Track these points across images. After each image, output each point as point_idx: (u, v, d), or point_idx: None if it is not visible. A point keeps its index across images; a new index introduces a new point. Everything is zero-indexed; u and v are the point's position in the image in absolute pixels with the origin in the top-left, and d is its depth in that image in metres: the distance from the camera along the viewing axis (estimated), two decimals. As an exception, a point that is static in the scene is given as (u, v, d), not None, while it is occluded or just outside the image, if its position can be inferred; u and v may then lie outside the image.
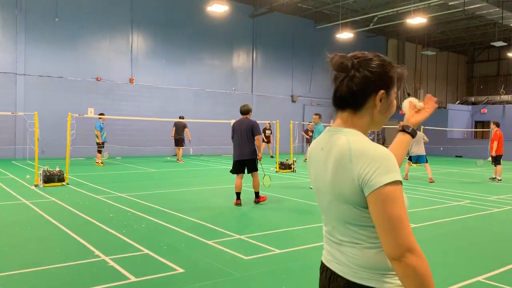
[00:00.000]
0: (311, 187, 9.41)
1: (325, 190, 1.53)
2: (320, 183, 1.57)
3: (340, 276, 1.53)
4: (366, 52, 1.56)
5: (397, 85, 1.56)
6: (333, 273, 1.57)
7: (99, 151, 15.65)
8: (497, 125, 13.41)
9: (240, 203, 8.23)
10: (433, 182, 12.37)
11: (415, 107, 1.87)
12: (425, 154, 12.64)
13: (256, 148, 8.28)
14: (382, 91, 1.51)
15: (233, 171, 8.37)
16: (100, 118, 15.46)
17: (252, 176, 8.38)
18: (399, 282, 1.44)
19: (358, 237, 1.47)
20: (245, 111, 8.41)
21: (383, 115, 1.56)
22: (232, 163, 8.46)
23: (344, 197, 1.45)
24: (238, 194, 8.27)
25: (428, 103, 1.85)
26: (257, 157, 8.32)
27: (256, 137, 8.21)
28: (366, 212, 1.43)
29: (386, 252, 1.37)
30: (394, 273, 1.43)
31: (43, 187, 9.88)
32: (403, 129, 1.87)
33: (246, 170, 8.35)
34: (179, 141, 18.04)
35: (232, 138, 8.41)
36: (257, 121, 10.69)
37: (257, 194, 8.47)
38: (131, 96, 19.87)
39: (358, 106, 1.53)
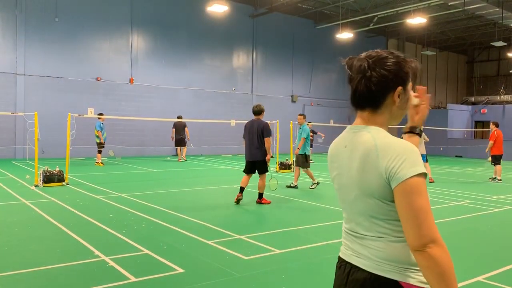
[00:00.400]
0: (311, 186, 9.35)
1: (351, 186, 1.57)
2: (344, 180, 1.61)
3: (361, 269, 1.55)
4: (379, 50, 1.60)
5: (412, 78, 1.60)
6: (353, 267, 1.59)
7: (99, 151, 15.66)
8: (496, 125, 13.45)
9: (241, 198, 8.27)
10: (433, 182, 12.37)
11: (412, 104, 1.82)
12: (425, 153, 12.65)
13: (266, 150, 8.27)
14: (399, 88, 1.56)
15: (245, 170, 8.45)
16: (99, 118, 15.49)
17: (260, 177, 8.40)
18: (422, 278, 1.46)
19: (384, 231, 1.51)
20: (257, 111, 8.42)
21: (402, 110, 1.62)
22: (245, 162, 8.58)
23: (372, 192, 1.49)
24: (241, 189, 8.31)
25: (421, 96, 1.79)
26: (266, 159, 8.33)
27: (265, 139, 8.20)
28: (392, 206, 1.47)
29: (409, 243, 1.40)
30: (418, 268, 1.45)
31: (43, 187, 9.88)
32: (411, 130, 1.84)
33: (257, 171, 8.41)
34: (181, 141, 18.21)
35: (244, 137, 8.48)
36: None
37: (260, 195, 8.48)
38: (131, 96, 19.87)
39: (378, 105, 1.57)
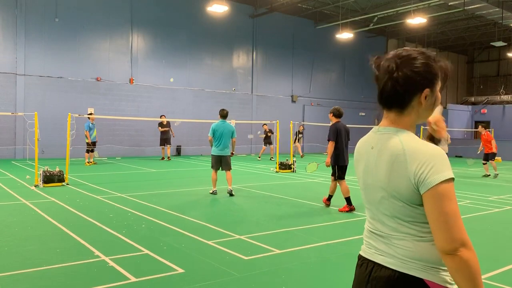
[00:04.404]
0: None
1: (377, 188, 1.58)
2: (370, 180, 1.62)
3: (385, 267, 1.56)
4: (409, 49, 1.59)
5: (443, 79, 1.60)
6: (376, 265, 1.60)
7: (87, 151, 15.74)
8: (485, 127, 14.84)
9: (352, 209, 7.83)
10: None
11: (431, 129, 1.95)
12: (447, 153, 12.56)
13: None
14: (426, 90, 1.55)
15: (342, 176, 8.01)
16: (89, 118, 15.63)
17: (343, 182, 8.02)
18: (447, 278, 1.49)
19: (409, 231, 1.52)
20: (342, 114, 8.15)
21: (428, 111, 1.62)
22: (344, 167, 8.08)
23: (400, 195, 1.50)
24: (347, 199, 7.86)
25: (439, 125, 1.95)
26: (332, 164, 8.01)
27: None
28: (419, 209, 1.48)
29: (439, 246, 1.41)
30: (444, 268, 1.48)
31: (43, 187, 9.87)
32: (431, 138, 1.98)
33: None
34: (167, 140, 18.41)
35: (334, 140, 7.94)
36: (258, 121, 10.70)
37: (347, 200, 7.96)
38: (131, 96, 19.87)
39: (404, 106, 1.57)
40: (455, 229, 1.38)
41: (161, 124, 18.37)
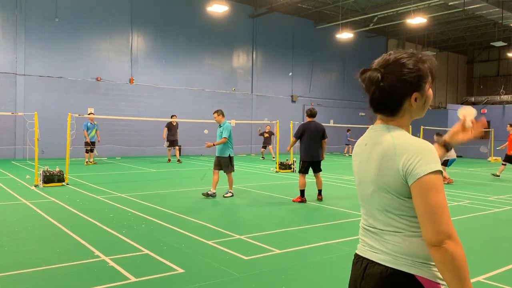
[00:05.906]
0: (226, 194, 9.03)
1: (369, 182, 1.61)
2: (363, 176, 1.65)
3: (378, 264, 1.58)
4: (397, 53, 1.60)
5: (431, 76, 1.61)
6: (370, 262, 1.62)
7: (87, 151, 15.75)
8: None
9: (305, 200, 8.69)
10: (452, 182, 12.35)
11: (465, 124, 1.89)
12: (455, 157, 12.38)
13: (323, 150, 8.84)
14: (415, 94, 1.57)
15: (304, 171, 8.72)
16: (88, 117, 15.82)
17: (318, 175, 8.85)
18: (438, 273, 1.49)
19: (400, 226, 1.54)
20: (315, 114, 8.82)
21: (421, 111, 1.64)
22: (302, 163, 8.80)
23: (388, 187, 1.53)
24: (303, 192, 8.68)
25: (477, 126, 1.90)
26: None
27: (325, 141, 8.77)
28: (407, 202, 1.50)
29: (426, 238, 1.43)
30: (434, 263, 1.48)
31: (43, 187, 9.87)
32: (445, 145, 1.92)
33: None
34: (174, 142, 17.85)
35: (297, 137, 8.77)
36: (257, 122, 10.75)
37: (320, 191, 8.93)
38: (131, 96, 19.87)
39: (395, 111, 1.60)
40: (441, 221, 1.40)
41: (169, 125, 17.70)
